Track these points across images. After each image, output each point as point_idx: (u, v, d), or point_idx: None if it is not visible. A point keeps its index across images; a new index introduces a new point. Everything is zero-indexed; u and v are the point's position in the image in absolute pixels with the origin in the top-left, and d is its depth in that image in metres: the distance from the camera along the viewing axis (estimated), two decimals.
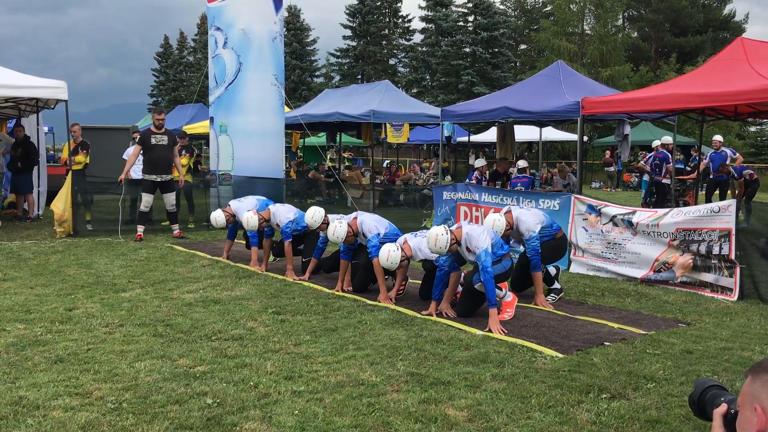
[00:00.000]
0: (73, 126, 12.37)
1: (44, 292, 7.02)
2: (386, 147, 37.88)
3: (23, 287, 7.22)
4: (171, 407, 3.90)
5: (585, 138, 19.56)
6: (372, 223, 7.12)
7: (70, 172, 11.50)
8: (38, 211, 14.07)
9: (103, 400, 3.99)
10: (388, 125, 16.39)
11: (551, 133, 26.84)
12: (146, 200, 11.09)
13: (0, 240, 10.69)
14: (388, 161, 28.49)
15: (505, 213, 6.96)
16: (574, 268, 8.59)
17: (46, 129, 18.57)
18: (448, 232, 5.94)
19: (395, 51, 54.79)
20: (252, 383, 4.30)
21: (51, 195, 13.10)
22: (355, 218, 7.23)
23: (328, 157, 26.27)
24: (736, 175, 13.38)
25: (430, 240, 5.96)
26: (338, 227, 7.01)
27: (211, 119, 13.62)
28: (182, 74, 63.93)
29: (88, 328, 5.61)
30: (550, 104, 10.99)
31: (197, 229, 12.42)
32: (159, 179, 11.06)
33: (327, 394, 4.14)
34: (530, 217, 6.91)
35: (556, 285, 7.08)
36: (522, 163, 13.13)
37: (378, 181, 21.44)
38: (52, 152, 22.87)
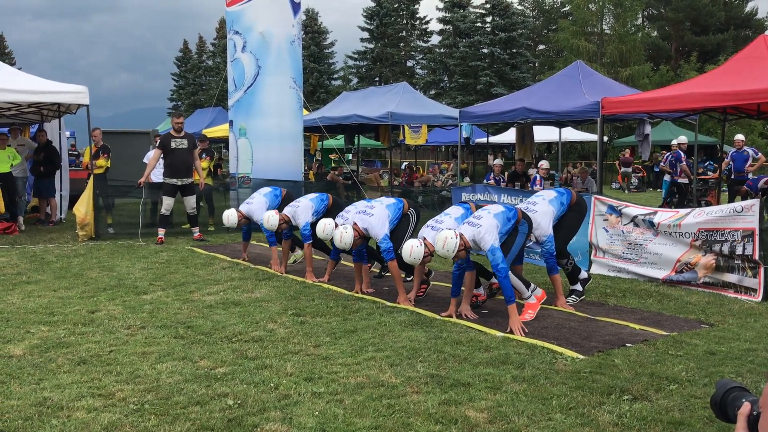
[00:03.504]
0: (94, 130, 12.51)
1: (67, 294, 7.10)
2: (404, 149, 37.84)
3: (46, 290, 7.31)
4: (192, 408, 3.93)
5: (605, 138, 19.42)
6: (377, 227, 7.04)
7: (92, 176, 11.64)
8: (61, 214, 14.25)
9: (125, 401, 4.03)
10: (406, 127, 16.37)
11: (571, 134, 26.68)
12: (167, 203, 11.19)
13: (23, 243, 10.84)
14: (406, 163, 28.48)
15: None
16: (595, 269, 8.52)
17: (68, 134, 18.78)
18: (458, 236, 5.88)
19: (413, 53, 54.78)
20: (272, 384, 4.32)
21: (73, 199, 13.26)
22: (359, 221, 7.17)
23: (317, 154, 25.70)
24: (753, 193, 13.17)
25: (438, 242, 5.91)
26: (344, 234, 6.95)
27: (231, 123, 13.71)
28: (201, 78, 64.35)
29: (110, 330, 5.67)
30: (569, 104, 10.93)
31: (217, 231, 12.49)
32: (179, 183, 11.16)
33: (347, 395, 4.14)
34: (541, 218, 6.61)
35: (578, 287, 7.03)
36: (545, 164, 13.05)
37: (396, 182, 21.45)
38: (73, 156, 23.08)
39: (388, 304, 6.69)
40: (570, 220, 6.91)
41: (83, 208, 11.25)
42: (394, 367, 4.69)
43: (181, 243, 11.03)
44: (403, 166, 26.22)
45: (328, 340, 5.37)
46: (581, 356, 4.96)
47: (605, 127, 11.80)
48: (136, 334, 5.56)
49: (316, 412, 3.87)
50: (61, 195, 14.47)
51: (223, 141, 20.62)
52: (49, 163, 13.43)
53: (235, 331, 5.63)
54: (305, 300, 6.86)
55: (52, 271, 8.46)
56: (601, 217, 8.57)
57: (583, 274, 7.08)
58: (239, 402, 4.02)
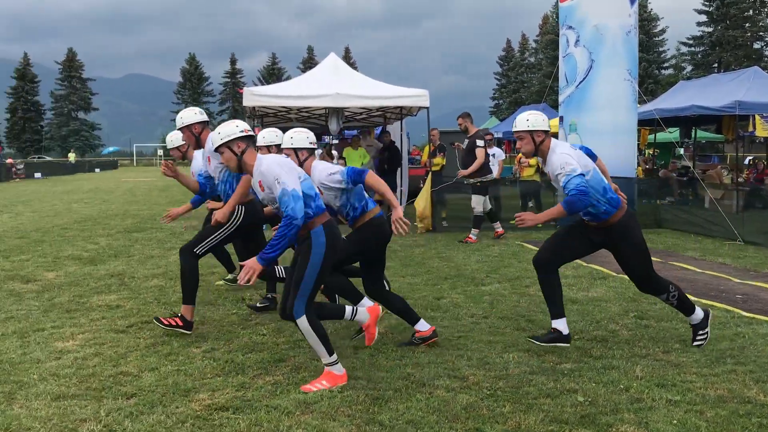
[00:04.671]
0: (433, 131, 13.40)
1: (414, 281, 7.74)
2: (747, 142, 33.85)
3: (396, 276, 8.05)
4: (543, 400, 3.99)
5: None
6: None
7: (430, 174, 12.48)
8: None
9: (479, 386, 4.25)
10: (757, 117, 14.63)
11: None
12: (474, 200, 11.25)
13: None
14: (750, 157, 25.46)
15: None
16: None
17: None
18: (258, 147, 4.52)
19: (761, 33, 48.79)
20: (622, 386, 4.20)
21: (411, 194, 14.40)
22: None
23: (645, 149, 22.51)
24: None
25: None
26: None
27: (561, 119, 13.63)
28: (523, 75, 65.19)
29: (455, 317, 6.04)
30: None
31: (546, 227, 12.43)
32: (472, 181, 11.15)
33: (707, 407, 3.84)
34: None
35: (697, 317, 5.16)
36: None
37: (741, 179, 19.27)
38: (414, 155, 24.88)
39: (745, 314, 6.06)
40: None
41: (422, 202, 12.16)
42: (760, 383, 4.23)
43: (511, 238, 11.28)
44: (746, 161, 23.50)
45: (678, 347, 5.04)
46: None
47: None
48: (480, 323, 5.84)
49: (674, 421, 3.66)
50: (401, 190, 15.82)
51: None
52: (392, 161, 14.76)
53: (576, 328, 5.58)
54: (647, 303, 6.52)
55: (399, 258, 9.29)
56: None
57: (699, 314, 5.17)
58: (590, 400, 3.98)
